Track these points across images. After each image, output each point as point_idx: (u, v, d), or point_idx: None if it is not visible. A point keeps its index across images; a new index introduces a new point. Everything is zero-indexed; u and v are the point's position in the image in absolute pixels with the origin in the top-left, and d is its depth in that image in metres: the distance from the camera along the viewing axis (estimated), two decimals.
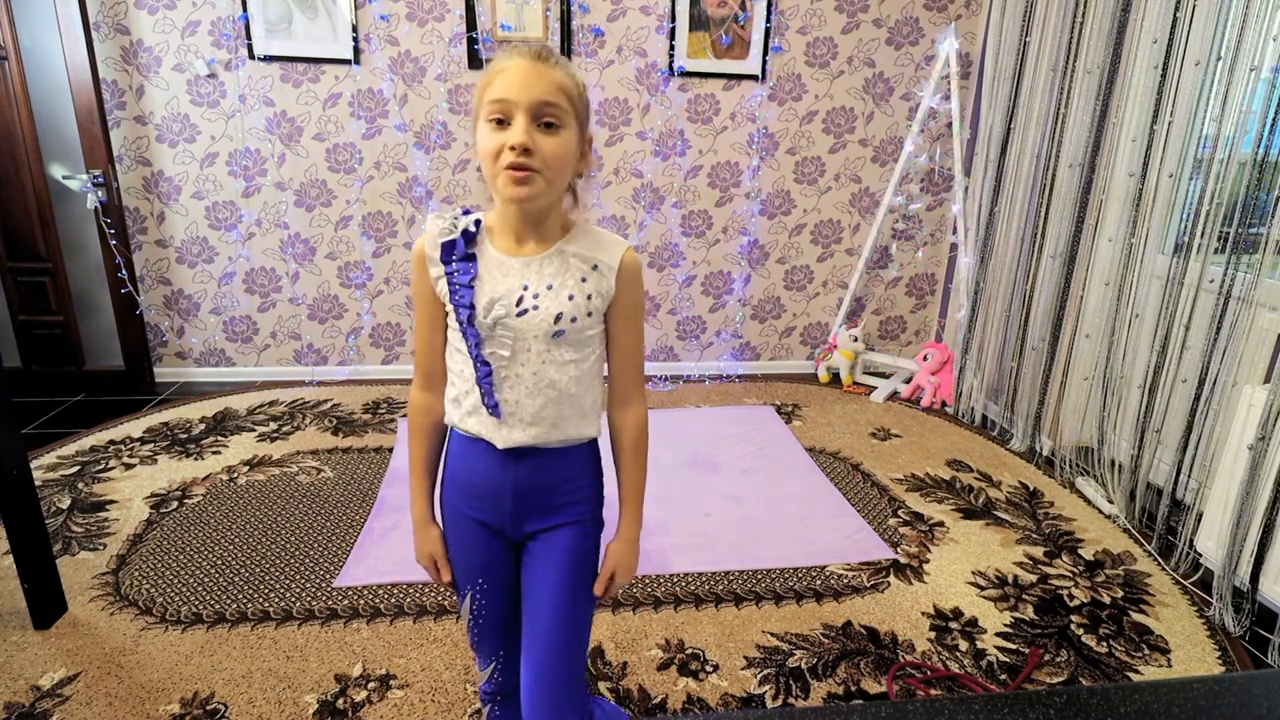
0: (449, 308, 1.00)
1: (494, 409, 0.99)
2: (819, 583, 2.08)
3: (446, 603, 1.95)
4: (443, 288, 0.99)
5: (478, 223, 0.98)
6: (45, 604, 1.82)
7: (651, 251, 3.66)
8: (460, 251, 0.97)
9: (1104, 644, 1.86)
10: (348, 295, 3.57)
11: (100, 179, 3.17)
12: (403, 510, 2.39)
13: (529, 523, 1.06)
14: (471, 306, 0.96)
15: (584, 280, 0.98)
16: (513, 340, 0.97)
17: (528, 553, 1.09)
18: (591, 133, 1.00)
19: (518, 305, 0.96)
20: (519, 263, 0.97)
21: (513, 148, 0.88)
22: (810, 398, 3.54)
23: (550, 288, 0.97)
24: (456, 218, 0.99)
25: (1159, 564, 2.22)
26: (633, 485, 1.11)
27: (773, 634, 1.86)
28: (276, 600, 1.95)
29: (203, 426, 3.02)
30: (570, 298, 0.97)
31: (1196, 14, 2.25)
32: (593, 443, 1.09)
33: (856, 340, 3.73)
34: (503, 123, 0.90)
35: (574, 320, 0.97)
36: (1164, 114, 2.36)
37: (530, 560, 1.08)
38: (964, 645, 1.85)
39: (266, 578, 2.05)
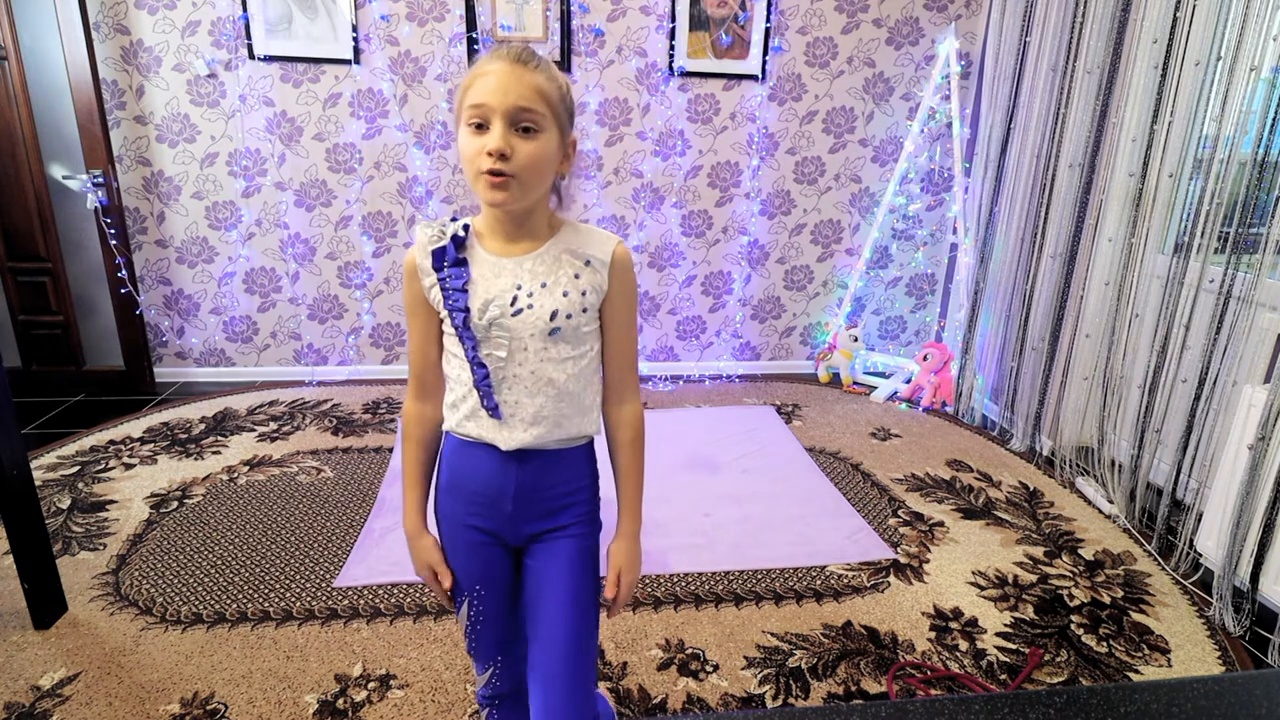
0: (444, 314, 1.00)
1: (494, 410, 1.00)
2: (819, 583, 2.08)
3: (446, 603, 1.94)
4: (436, 295, 1.00)
5: (466, 228, 0.99)
6: (45, 604, 1.82)
7: (651, 251, 3.66)
8: (451, 257, 0.97)
9: (1104, 644, 1.86)
10: (348, 295, 3.57)
11: (100, 179, 3.17)
12: (402, 510, 2.39)
13: (529, 525, 1.06)
14: (466, 309, 0.97)
15: (577, 276, 0.99)
16: (509, 340, 0.97)
17: (530, 556, 1.08)
18: (575, 135, 1.00)
19: (512, 305, 0.96)
20: (511, 263, 0.98)
21: (490, 153, 0.89)
22: (810, 398, 3.54)
23: (544, 286, 0.97)
24: (445, 225, 0.99)
25: (1159, 564, 2.22)
26: (632, 483, 1.10)
27: (773, 634, 1.86)
28: (276, 600, 1.95)
29: (203, 426, 3.02)
30: (565, 294, 0.98)
31: (1196, 14, 2.25)
32: (590, 442, 1.09)
33: (856, 340, 3.73)
34: (482, 127, 0.90)
35: (569, 317, 0.98)
36: (1164, 114, 2.36)
37: (534, 565, 1.07)
38: (964, 645, 1.85)
39: (266, 578, 2.04)
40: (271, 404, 3.28)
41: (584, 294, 0.99)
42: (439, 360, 1.05)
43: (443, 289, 0.98)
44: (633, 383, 1.09)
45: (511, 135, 0.90)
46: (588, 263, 1.00)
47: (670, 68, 3.36)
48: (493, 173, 0.89)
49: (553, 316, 0.97)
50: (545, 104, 0.91)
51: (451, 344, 1.01)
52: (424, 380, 1.06)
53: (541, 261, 0.98)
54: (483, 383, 0.99)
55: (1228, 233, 2.14)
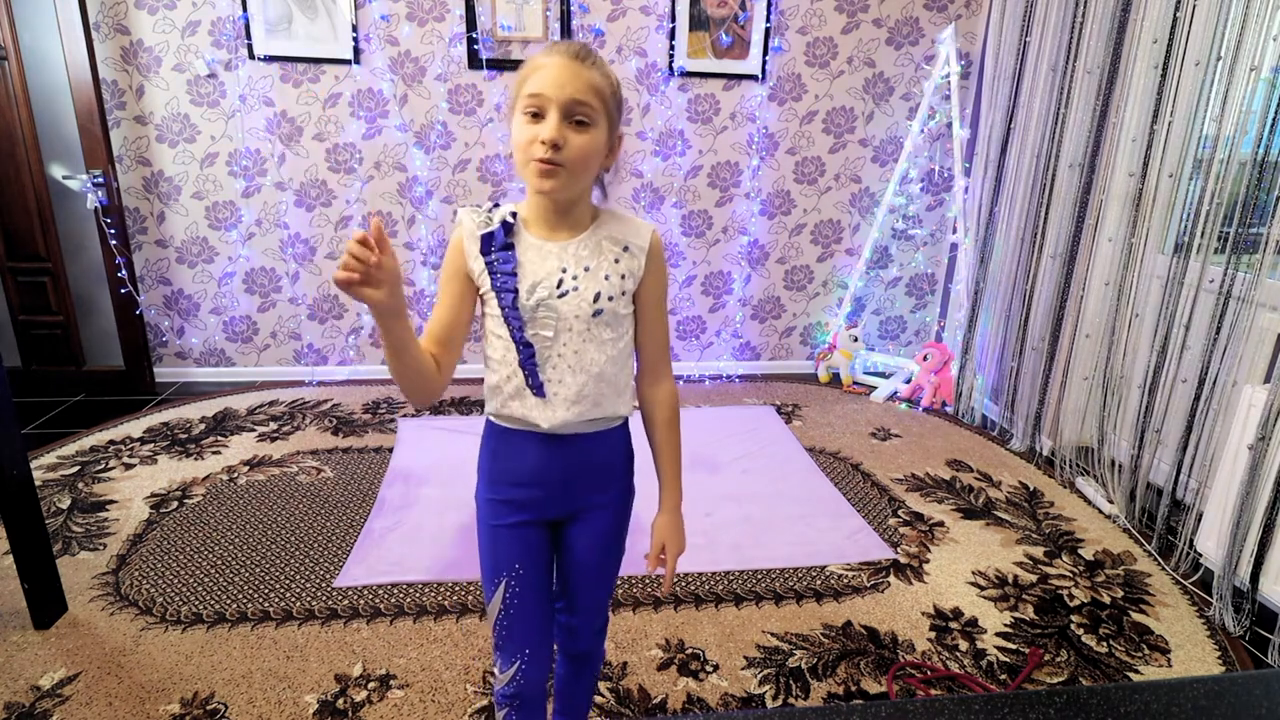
0: (488, 293, 1.04)
1: (539, 389, 1.05)
2: (819, 583, 2.08)
3: (446, 603, 1.95)
4: (484, 277, 1.03)
5: (514, 214, 1.03)
6: (45, 604, 1.82)
7: None
8: (500, 241, 1.02)
9: (1104, 644, 1.86)
10: (348, 295, 3.56)
11: (100, 179, 3.17)
12: (402, 510, 2.39)
13: (575, 502, 1.13)
14: (515, 290, 1.01)
15: (617, 261, 1.04)
16: (555, 321, 1.02)
17: (570, 525, 1.16)
18: (622, 130, 1.05)
19: (558, 287, 1.01)
20: (556, 247, 1.03)
21: (543, 142, 0.93)
22: (810, 398, 3.54)
23: (587, 269, 1.03)
24: (490, 211, 1.03)
25: (1159, 564, 2.22)
26: (671, 458, 1.17)
27: (773, 634, 1.86)
28: (276, 600, 1.95)
29: (203, 426, 3.02)
30: (606, 278, 1.03)
31: (1196, 14, 2.25)
32: (625, 422, 1.16)
33: (856, 340, 3.73)
34: (537, 116, 0.95)
35: (610, 299, 1.03)
36: (1164, 114, 2.36)
37: (572, 531, 1.16)
38: (964, 645, 1.85)
39: (266, 578, 2.04)
40: (271, 404, 3.28)
41: (623, 278, 1.04)
42: (466, 323, 1.06)
43: (491, 272, 1.02)
44: (666, 363, 1.16)
45: (565, 127, 0.95)
46: (626, 248, 1.05)
47: (670, 68, 3.36)
48: (544, 161, 0.94)
49: (596, 299, 1.02)
50: (599, 99, 0.96)
51: (496, 325, 1.05)
52: (438, 336, 1.03)
53: (585, 247, 1.03)
54: (528, 362, 1.04)
55: (1228, 233, 2.14)
